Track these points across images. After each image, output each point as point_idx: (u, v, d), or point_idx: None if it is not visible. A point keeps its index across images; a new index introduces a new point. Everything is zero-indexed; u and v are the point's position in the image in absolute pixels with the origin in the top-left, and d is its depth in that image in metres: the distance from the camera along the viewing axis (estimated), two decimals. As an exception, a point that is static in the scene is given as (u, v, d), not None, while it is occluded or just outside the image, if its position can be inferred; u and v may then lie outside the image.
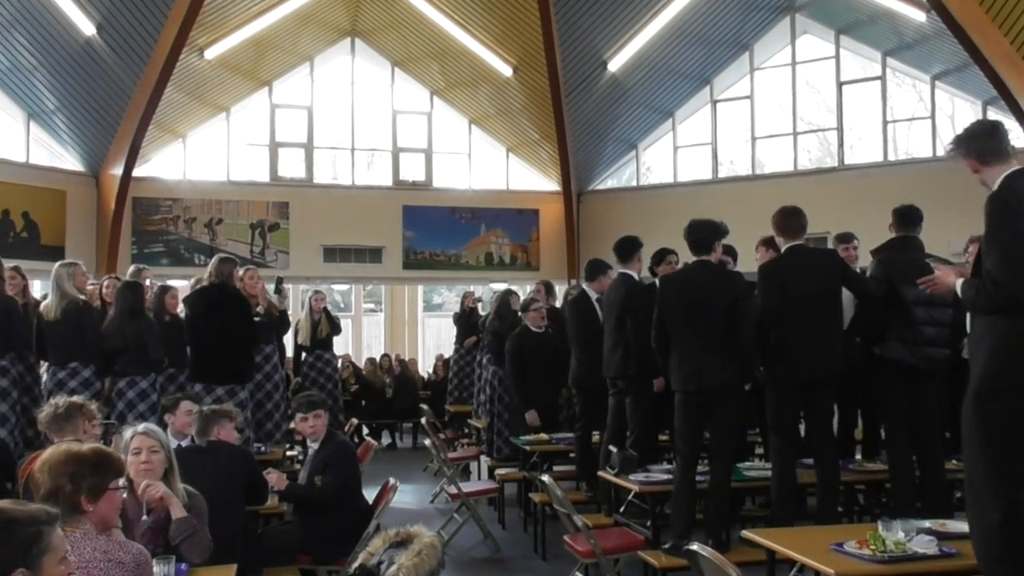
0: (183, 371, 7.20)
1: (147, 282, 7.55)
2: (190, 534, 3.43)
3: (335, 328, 9.97)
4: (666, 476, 5.22)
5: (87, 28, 12.76)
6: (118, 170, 14.47)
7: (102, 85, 13.60)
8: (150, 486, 3.48)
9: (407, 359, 15.40)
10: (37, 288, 9.00)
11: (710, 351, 5.03)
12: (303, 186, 15.88)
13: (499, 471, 7.92)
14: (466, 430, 10.71)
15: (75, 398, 4.46)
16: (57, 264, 6.87)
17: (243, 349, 6.82)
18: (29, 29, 12.82)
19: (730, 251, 6.36)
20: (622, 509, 5.57)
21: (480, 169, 16.76)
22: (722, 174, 15.97)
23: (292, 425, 7.82)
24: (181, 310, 7.44)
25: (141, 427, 3.69)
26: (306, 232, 15.55)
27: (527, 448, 7.15)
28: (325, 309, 10.02)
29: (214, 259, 7.21)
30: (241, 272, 7.34)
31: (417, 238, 16.05)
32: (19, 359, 6.65)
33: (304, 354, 9.90)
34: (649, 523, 5.12)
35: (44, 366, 6.98)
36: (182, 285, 7.97)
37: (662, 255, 6.60)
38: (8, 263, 6.92)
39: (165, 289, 7.63)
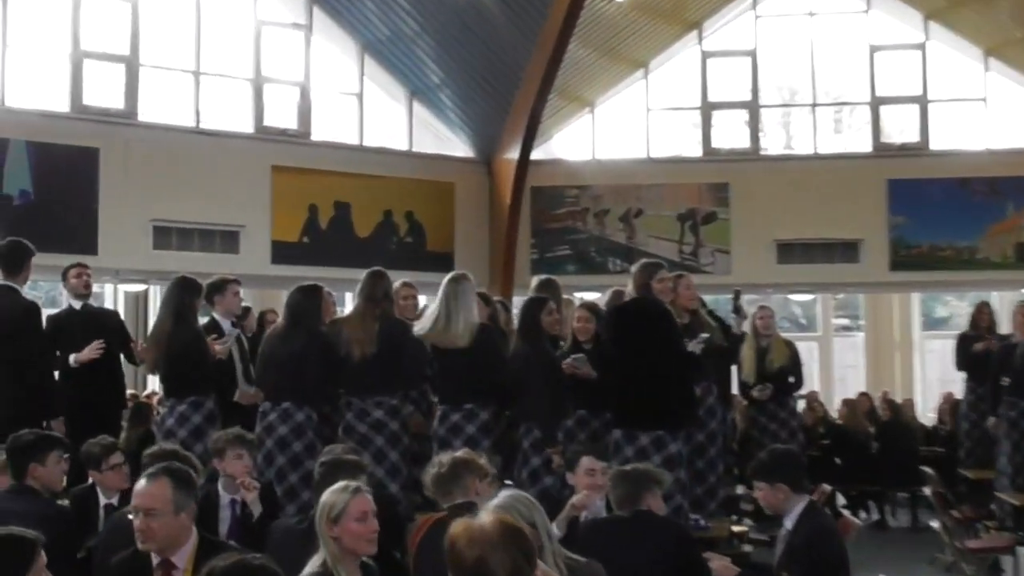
0: (598, 415, 7.36)
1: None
2: None
3: (795, 364, 9.77)
4: None
5: (474, -21, 13.93)
6: (513, 153, 15.38)
7: (493, 48, 14.68)
8: None
9: (899, 400, 14.74)
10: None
11: None
12: (747, 160, 16.09)
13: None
14: (992, 507, 9.82)
15: (461, 452, 4.83)
16: (449, 277, 7.18)
17: (672, 384, 6.88)
18: (410, -11, 14.40)
19: None
20: None
21: (1003, 121, 15.73)
22: None
23: (740, 491, 7.92)
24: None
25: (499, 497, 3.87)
26: (752, 223, 15.63)
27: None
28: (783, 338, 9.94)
29: (636, 266, 7.34)
30: (665, 276, 7.37)
31: (909, 225, 15.62)
32: (409, 396, 7.19)
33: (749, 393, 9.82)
34: None
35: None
36: (597, 298, 8.19)
37: None
38: (394, 276, 7.35)
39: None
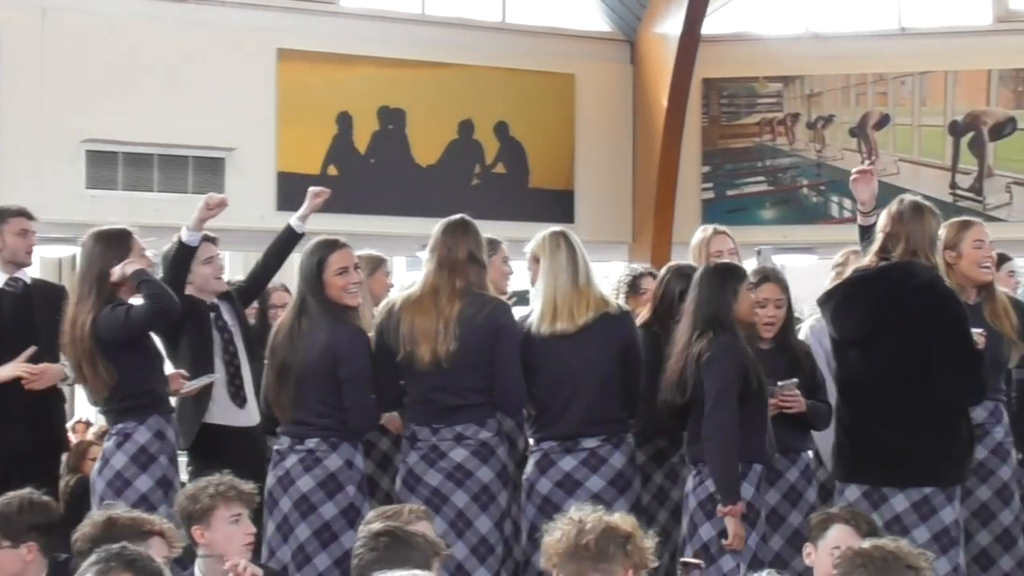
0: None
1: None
2: None
3: None
4: None
5: None
6: (671, 26, 14.94)
7: None
8: None
9: None
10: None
11: None
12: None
13: None
14: None
15: (611, 517, 4.44)
16: (547, 234, 6.84)
17: (947, 413, 6.58)
18: None
19: None
20: None
21: None
22: None
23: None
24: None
25: None
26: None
27: None
28: None
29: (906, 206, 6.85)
30: (982, 237, 7.23)
31: None
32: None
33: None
34: None
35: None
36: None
37: None
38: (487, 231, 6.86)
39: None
